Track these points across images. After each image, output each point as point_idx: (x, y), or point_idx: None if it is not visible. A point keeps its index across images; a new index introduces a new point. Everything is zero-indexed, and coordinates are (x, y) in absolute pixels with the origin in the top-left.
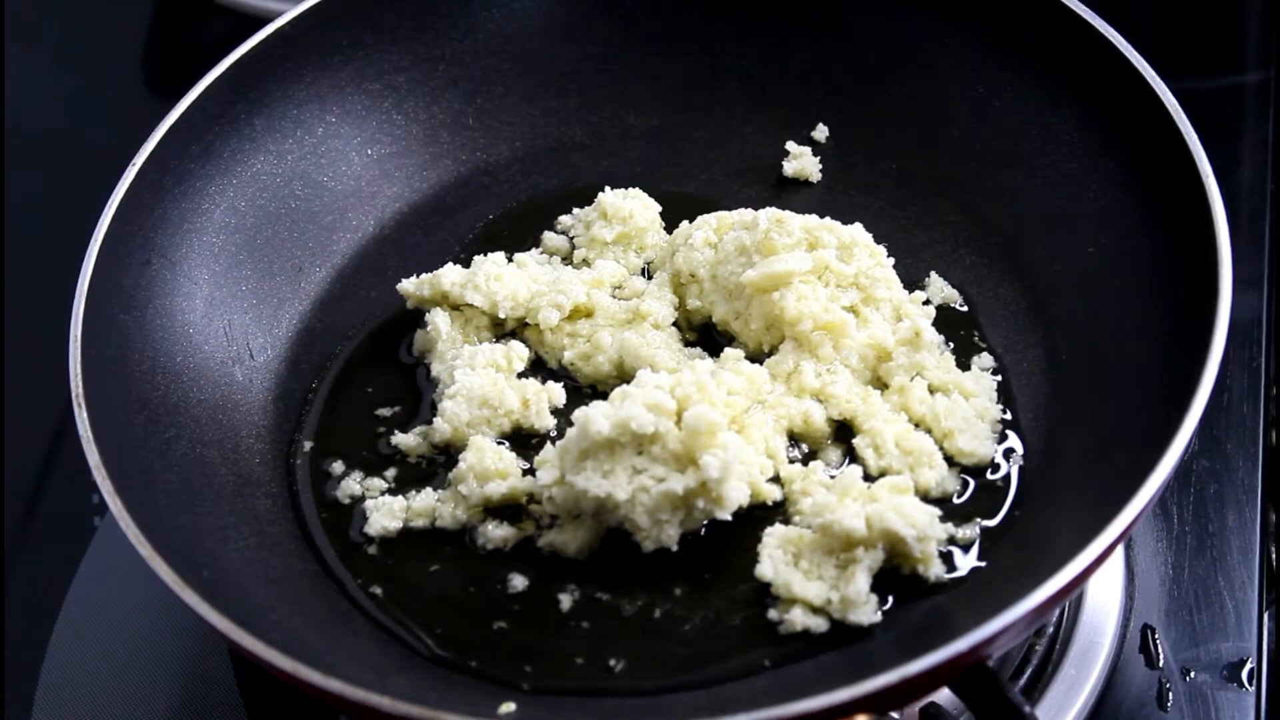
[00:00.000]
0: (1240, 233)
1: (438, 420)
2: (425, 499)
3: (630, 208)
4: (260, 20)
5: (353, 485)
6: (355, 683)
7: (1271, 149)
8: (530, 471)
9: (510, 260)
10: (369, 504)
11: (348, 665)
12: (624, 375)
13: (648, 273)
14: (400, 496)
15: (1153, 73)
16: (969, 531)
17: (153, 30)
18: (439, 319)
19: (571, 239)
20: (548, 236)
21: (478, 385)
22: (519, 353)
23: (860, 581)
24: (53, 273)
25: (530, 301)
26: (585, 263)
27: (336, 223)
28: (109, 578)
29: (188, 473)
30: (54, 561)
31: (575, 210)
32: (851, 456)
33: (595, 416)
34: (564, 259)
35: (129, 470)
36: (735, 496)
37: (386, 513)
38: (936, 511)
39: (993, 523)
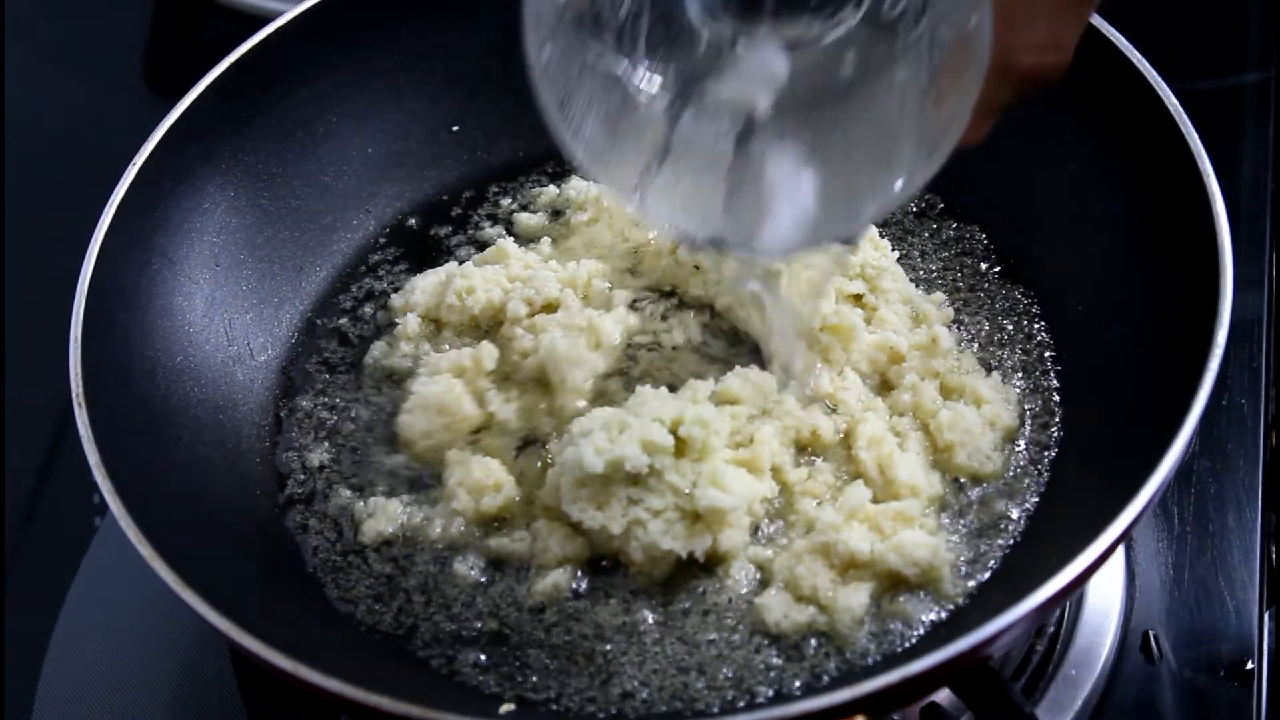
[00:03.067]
0: (1240, 233)
1: (399, 434)
2: (419, 515)
3: (600, 191)
4: (260, 20)
5: (349, 489)
6: (355, 683)
7: (1272, 149)
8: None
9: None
10: (364, 510)
11: (348, 665)
12: (543, 379)
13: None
14: (397, 500)
15: (1154, 73)
16: (970, 546)
17: (153, 30)
18: (410, 323)
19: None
20: (522, 218)
21: (434, 395)
22: (488, 353)
23: (861, 595)
24: (53, 273)
25: (506, 300)
26: (569, 248)
27: (337, 222)
28: (109, 578)
29: (188, 473)
30: (54, 561)
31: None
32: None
33: (589, 455)
34: (535, 240)
35: (129, 470)
36: (733, 546)
37: (383, 517)
38: (941, 543)
39: (994, 524)
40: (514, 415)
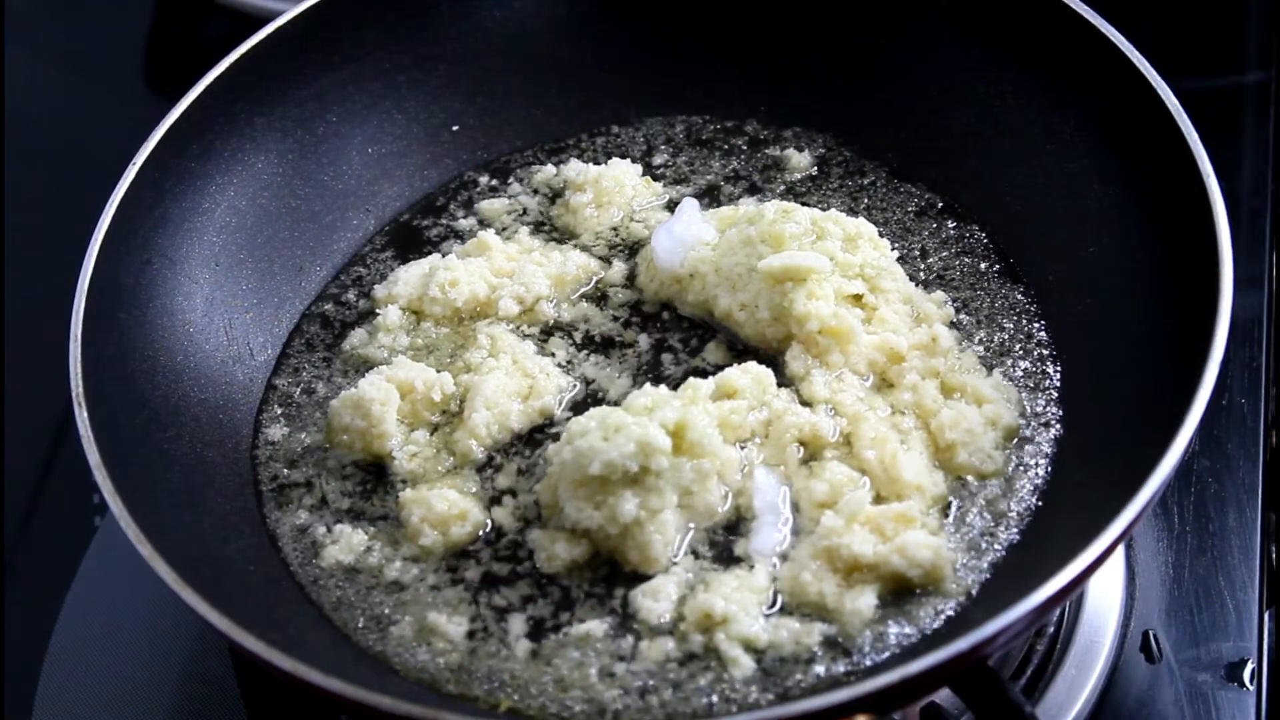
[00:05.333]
0: (1240, 233)
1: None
2: (378, 555)
3: (599, 172)
4: (260, 20)
5: (307, 508)
6: (355, 683)
7: (1271, 149)
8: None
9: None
10: (324, 535)
11: (348, 665)
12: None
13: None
14: (360, 531)
15: (1154, 73)
16: (972, 546)
17: (153, 30)
18: (391, 315)
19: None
20: (485, 205)
21: (366, 399)
22: (444, 384)
23: (868, 597)
24: (53, 273)
25: (492, 294)
26: (571, 233)
27: (337, 222)
28: (109, 578)
29: (188, 473)
30: (54, 561)
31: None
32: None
33: (588, 456)
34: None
35: (129, 470)
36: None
37: (345, 547)
38: (943, 543)
39: (995, 524)
40: (408, 461)
